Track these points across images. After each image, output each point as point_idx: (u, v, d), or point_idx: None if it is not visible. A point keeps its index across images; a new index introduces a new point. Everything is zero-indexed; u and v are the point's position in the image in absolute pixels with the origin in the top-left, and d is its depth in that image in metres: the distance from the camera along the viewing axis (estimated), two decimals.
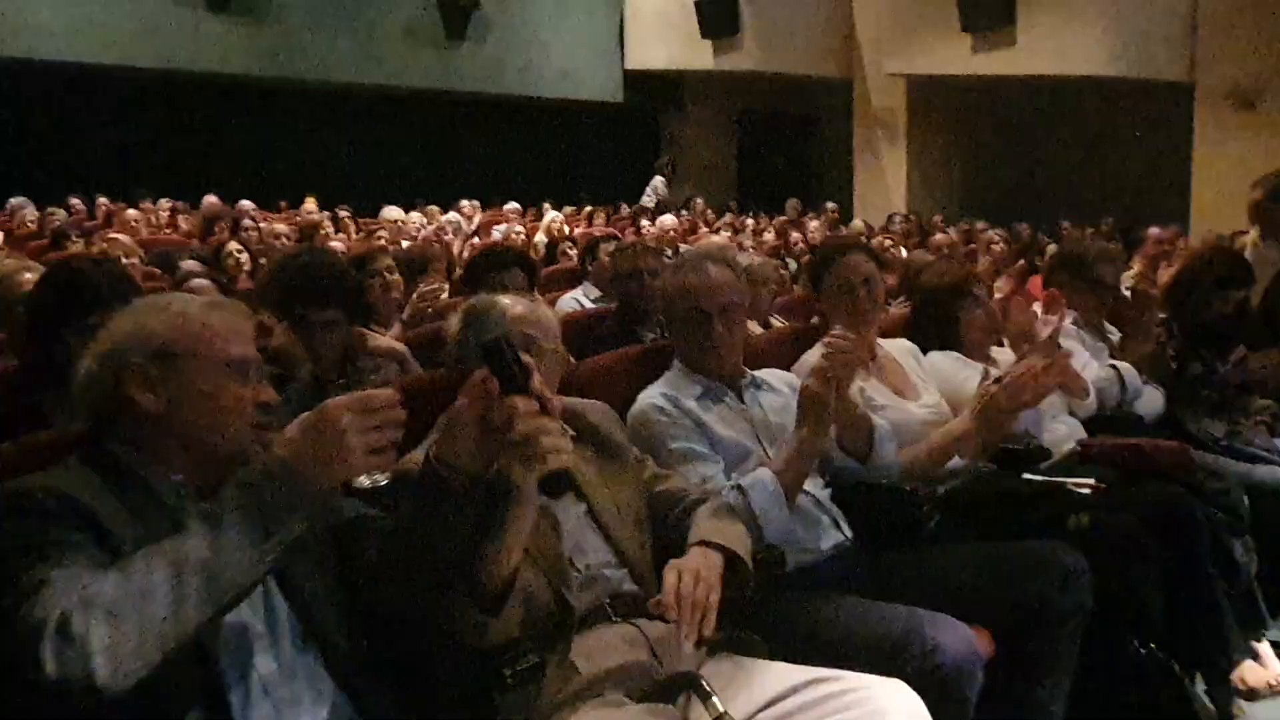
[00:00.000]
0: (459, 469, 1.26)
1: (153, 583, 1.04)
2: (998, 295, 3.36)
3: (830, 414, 1.92)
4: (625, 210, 11.34)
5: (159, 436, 1.30)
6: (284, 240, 6.13)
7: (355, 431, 1.12)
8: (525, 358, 1.28)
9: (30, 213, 7.91)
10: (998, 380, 2.27)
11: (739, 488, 1.89)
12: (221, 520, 1.08)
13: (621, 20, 14.32)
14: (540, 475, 1.26)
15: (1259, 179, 3.60)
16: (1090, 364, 2.93)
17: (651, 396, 2.07)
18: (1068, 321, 2.99)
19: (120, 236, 4.98)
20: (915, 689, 1.49)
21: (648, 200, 12.54)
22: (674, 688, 1.52)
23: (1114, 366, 3.01)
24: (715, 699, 1.46)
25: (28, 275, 2.80)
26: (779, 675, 1.56)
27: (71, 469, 1.27)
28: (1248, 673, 2.39)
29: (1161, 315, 3.42)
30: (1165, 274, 4.74)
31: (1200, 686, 2.36)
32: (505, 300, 1.77)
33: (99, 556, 1.13)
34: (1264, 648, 2.53)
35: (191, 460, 1.32)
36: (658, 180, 13.22)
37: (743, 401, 2.16)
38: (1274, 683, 2.51)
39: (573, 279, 5.11)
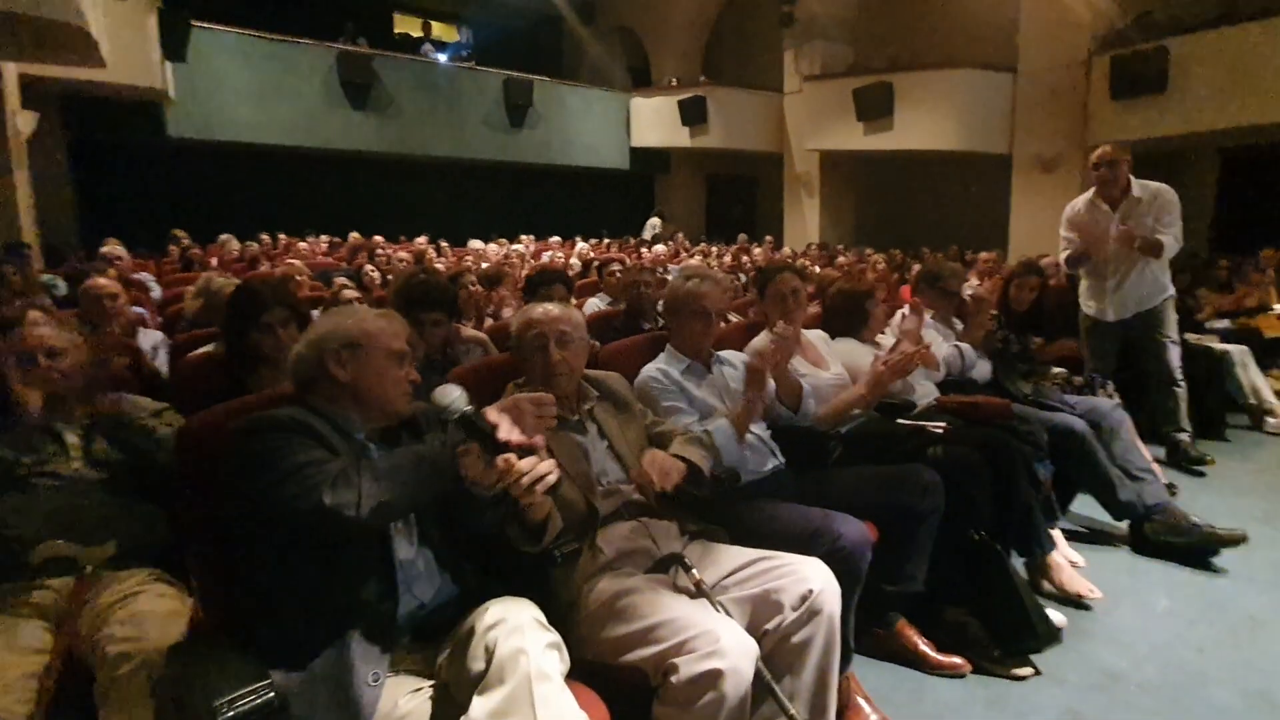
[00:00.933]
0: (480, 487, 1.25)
1: (404, 463, 1.14)
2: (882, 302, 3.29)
3: (766, 380, 1.91)
4: (632, 241, 11.25)
5: (344, 397, 1.33)
6: (404, 263, 6.08)
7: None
8: (494, 417, 1.21)
9: (234, 244, 7.85)
10: (884, 360, 2.25)
11: (706, 431, 1.88)
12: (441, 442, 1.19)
13: (628, 114, 14.19)
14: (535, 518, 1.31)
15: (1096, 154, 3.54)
16: (942, 345, 2.91)
17: (650, 370, 2.06)
18: (927, 317, 2.97)
19: (295, 261, 4.95)
20: (827, 564, 1.50)
21: (647, 234, 12.44)
22: (666, 563, 1.53)
23: (958, 347, 2.99)
24: (694, 570, 1.47)
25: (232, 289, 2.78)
26: (736, 555, 1.56)
27: (294, 411, 1.28)
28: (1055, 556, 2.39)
29: (994, 311, 3.40)
30: (993, 284, 4.71)
31: (1019, 561, 2.36)
32: (548, 306, 1.72)
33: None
34: (1056, 533, 2.54)
35: (363, 413, 1.34)
36: (655, 220, 13.18)
37: (711, 373, 2.14)
38: (1073, 560, 2.52)
39: (595, 289, 5.08)
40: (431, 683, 1.09)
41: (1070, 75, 9.71)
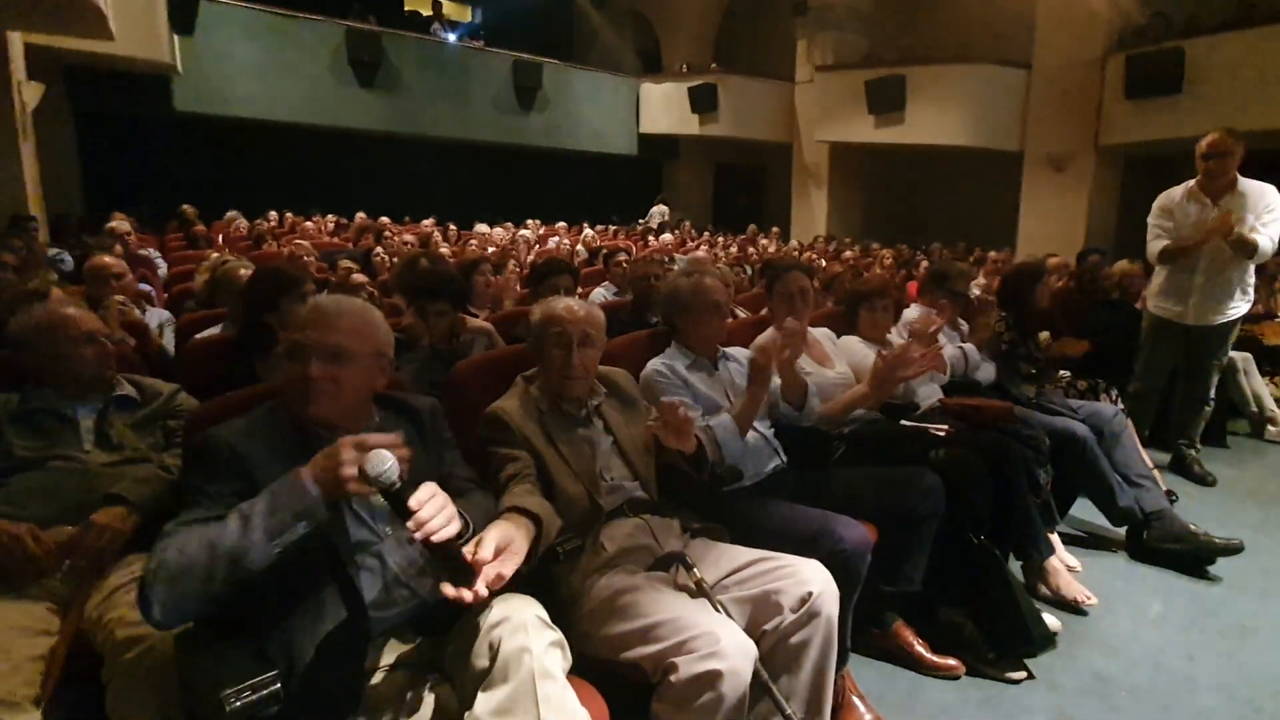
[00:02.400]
0: None
1: (194, 559, 1.01)
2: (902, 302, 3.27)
3: (770, 376, 1.90)
4: (638, 228, 11.22)
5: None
6: (408, 246, 6.07)
7: (351, 462, 1.05)
8: (414, 504, 1.04)
9: (241, 222, 7.84)
10: (888, 357, 2.24)
11: (708, 426, 1.88)
12: (249, 519, 1.04)
13: (638, 100, 14.08)
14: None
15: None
16: (947, 347, 2.90)
17: (655, 365, 2.05)
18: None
19: (303, 241, 4.92)
20: (827, 566, 1.51)
21: (654, 221, 12.40)
22: (667, 561, 1.53)
23: (962, 348, 2.98)
24: (695, 569, 1.48)
25: (243, 270, 2.78)
26: (737, 554, 1.57)
27: (258, 416, 1.27)
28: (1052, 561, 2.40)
29: (1001, 312, 3.38)
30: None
31: (1016, 565, 2.37)
32: (572, 304, 1.69)
33: (233, 501, 1.10)
34: (1054, 538, 2.55)
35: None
36: (663, 208, 13.12)
37: (717, 369, 2.14)
38: (1070, 565, 2.54)
39: (601, 277, 5.06)
40: (436, 675, 1.11)
41: (1085, 73, 9.63)
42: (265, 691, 1.00)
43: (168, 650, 1.19)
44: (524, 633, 1.03)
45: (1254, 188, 3.24)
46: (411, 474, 1.26)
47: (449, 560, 1.03)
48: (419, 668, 1.15)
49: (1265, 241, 3.15)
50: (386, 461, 1.05)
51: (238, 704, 0.98)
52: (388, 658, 1.14)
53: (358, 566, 1.19)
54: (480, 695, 0.99)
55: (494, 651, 1.01)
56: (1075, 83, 9.71)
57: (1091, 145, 9.81)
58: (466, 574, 1.02)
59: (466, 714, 0.98)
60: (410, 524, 1.01)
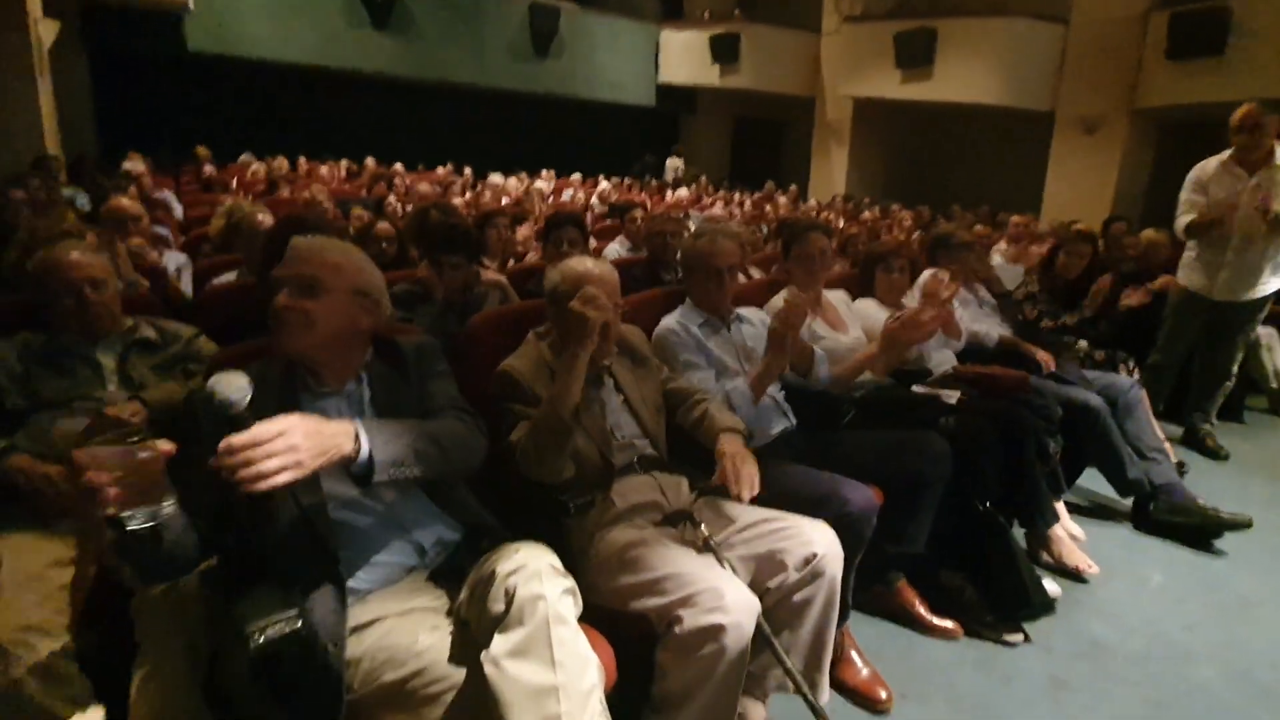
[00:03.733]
0: None
1: None
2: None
3: (789, 345, 1.91)
4: (654, 183, 11.07)
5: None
6: (427, 194, 6.03)
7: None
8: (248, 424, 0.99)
9: (256, 165, 7.79)
10: (897, 318, 2.24)
11: (726, 393, 1.89)
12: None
13: (657, 48, 13.73)
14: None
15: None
16: (965, 316, 2.88)
17: (669, 322, 2.06)
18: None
19: (319, 187, 4.89)
20: (833, 528, 1.54)
21: (669, 176, 12.23)
22: (676, 518, 1.57)
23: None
24: (703, 526, 1.51)
25: (262, 216, 2.78)
26: (744, 513, 1.59)
27: (262, 362, 1.31)
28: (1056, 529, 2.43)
29: (1032, 277, 3.35)
30: (1034, 250, 4.62)
31: (1019, 531, 2.41)
32: (588, 263, 1.67)
33: None
34: (1059, 506, 2.58)
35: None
36: (678, 162, 12.91)
37: (729, 330, 2.14)
38: (1074, 534, 2.57)
39: (615, 232, 5.03)
40: (450, 621, 1.16)
41: (1125, 30, 9.28)
42: (287, 629, 1.05)
43: (193, 587, 1.24)
44: (539, 580, 1.06)
45: None
46: (394, 411, 1.30)
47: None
48: (434, 610, 1.19)
49: None
50: (237, 386, 1.01)
51: (260, 639, 1.03)
52: (398, 605, 1.18)
53: (330, 521, 1.20)
54: (497, 637, 1.03)
55: (510, 597, 1.05)
56: (1114, 40, 9.37)
57: (1126, 108, 9.51)
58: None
59: (483, 653, 1.02)
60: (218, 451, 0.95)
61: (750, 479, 1.49)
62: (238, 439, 0.95)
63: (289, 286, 1.25)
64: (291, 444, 0.99)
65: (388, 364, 1.39)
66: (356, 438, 1.10)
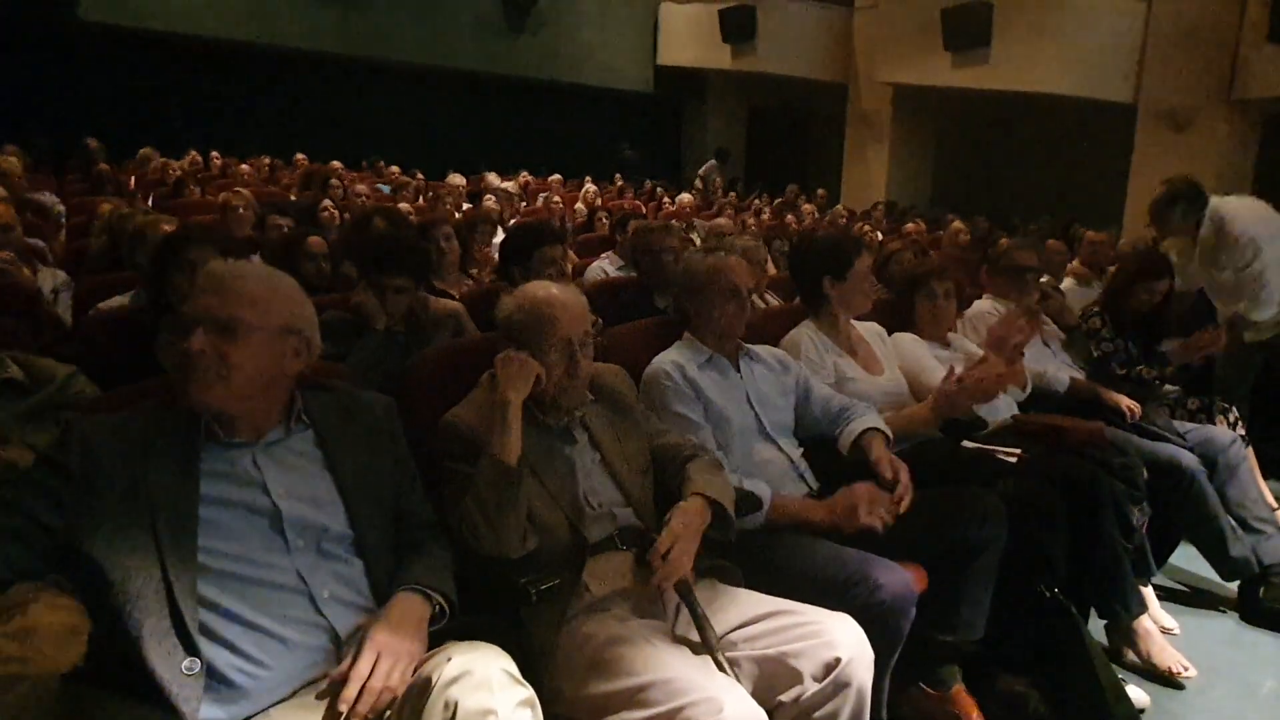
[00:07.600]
0: None
1: None
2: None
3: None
4: (657, 190, 11.17)
5: None
6: (363, 199, 6.08)
7: None
8: None
9: (157, 162, 7.84)
10: (959, 379, 2.23)
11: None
12: None
13: (656, 24, 14.03)
14: None
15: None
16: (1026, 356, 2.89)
17: (663, 363, 2.06)
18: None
19: (242, 190, 4.89)
20: (860, 620, 1.52)
21: (699, 183, 12.05)
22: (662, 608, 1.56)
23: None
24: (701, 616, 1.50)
25: (166, 226, 2.81)
26: (751, 602, 1.58)
27: (148, 409, 1.31)
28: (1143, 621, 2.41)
29: (1097, 308, 3.38)
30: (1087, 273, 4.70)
31: (1098, 625, 2.39)
32: (552, 289, 1.70)
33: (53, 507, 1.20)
34: (1148, 592, 2.57)
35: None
36: (713, 162, 12.67)
37: (738, 370, 2.16)
38: (1166, 627, 2.55)
39: (605, 244, 5.06)
40: None
41: (1219, 9, 9.52)
42: None
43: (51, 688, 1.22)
44: (488, 691, 1.05)
45: None
46: (366, 491, 1.36)
47: None
48: None
49: None
50: None
51: None
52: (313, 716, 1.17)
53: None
54: None
55: (450, 713, 1.03)
56: (1206, 20, 9.61)
57: (1223, 99, 9.72)
58: None
59: None
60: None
61: (678, 563, 1.50)
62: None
63: (205, 327, 1.24)
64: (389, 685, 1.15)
65: (350, 420, 1.44)
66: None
